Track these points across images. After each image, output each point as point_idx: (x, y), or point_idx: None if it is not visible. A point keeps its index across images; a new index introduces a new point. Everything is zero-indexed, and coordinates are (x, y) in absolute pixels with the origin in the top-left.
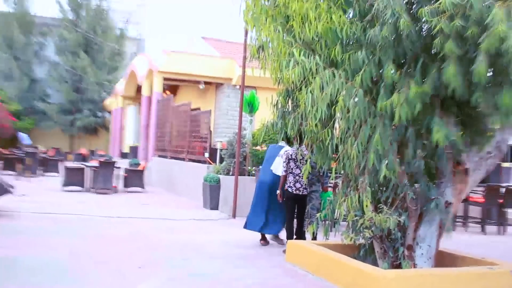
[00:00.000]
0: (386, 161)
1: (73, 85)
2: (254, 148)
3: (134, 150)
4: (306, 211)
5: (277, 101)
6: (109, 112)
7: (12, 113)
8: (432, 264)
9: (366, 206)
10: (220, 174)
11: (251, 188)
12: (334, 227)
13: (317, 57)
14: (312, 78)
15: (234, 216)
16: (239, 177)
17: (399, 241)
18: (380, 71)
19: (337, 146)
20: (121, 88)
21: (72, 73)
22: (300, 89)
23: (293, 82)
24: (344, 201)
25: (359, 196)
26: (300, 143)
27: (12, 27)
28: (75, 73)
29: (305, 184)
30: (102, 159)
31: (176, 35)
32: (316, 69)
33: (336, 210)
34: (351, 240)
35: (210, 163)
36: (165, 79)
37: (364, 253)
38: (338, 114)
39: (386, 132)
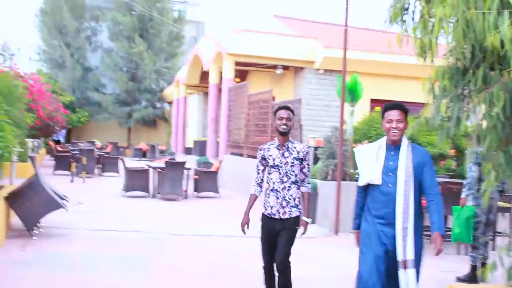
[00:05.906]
0: None
1: (129, 73)
2: (355, 146)
3: (200, 145)
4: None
5: (432, 85)
6: (169, 103)
7: (65, 105)
8: None
9: None
10: (316, 178)
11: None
12: None
13: None
14: None
15: (336, 232)
16: (341, 182)
17: None
18: None
19: None
20: (183, 75)
21: (127, 59)
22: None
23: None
24: None
25: None
26: None
27: (62, 11)
28: (131, 60)
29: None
30: (168, 159)
31: (241, 17)
32: None
33: None
34: None
35: None
36: (236, 63)
37: None
38: None
39: None
